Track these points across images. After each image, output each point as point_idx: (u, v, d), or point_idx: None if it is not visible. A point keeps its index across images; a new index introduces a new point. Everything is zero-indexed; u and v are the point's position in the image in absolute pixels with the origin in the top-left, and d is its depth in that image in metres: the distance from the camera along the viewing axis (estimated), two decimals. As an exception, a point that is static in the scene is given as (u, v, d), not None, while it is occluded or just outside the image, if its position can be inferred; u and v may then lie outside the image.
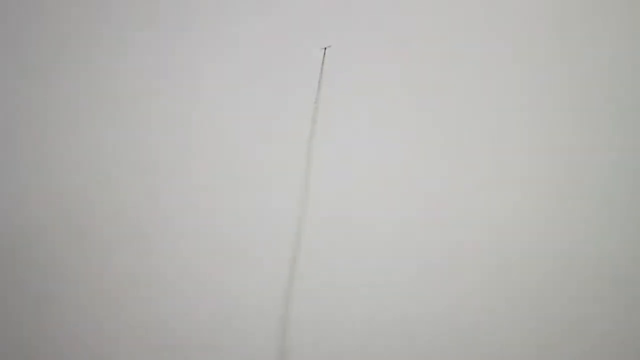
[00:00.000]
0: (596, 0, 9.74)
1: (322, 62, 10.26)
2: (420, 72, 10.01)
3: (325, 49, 10.35)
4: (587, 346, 9.19)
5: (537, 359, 9.32)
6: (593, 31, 9.64)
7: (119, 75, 10.43)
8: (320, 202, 9.77)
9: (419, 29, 10.06)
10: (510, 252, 9.42)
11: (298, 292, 9.71)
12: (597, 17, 9.73)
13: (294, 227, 9.72)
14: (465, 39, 9.97)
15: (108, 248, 10.16)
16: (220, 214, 10.05)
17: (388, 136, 9.85)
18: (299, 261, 9.67)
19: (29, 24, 10.57)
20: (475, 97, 9.78)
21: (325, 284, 9.66)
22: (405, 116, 9.89)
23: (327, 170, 9.97)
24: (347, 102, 9.98)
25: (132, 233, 10.12)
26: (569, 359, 9.21)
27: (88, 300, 9.95)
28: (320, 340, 9.69)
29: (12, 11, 10.60)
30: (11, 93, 10.27)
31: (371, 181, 9.80)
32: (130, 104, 10.33)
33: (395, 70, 10.05)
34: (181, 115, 10.21)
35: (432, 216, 9.73)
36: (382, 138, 9.87)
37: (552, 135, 9.58)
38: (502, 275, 9.40)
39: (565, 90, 9.60)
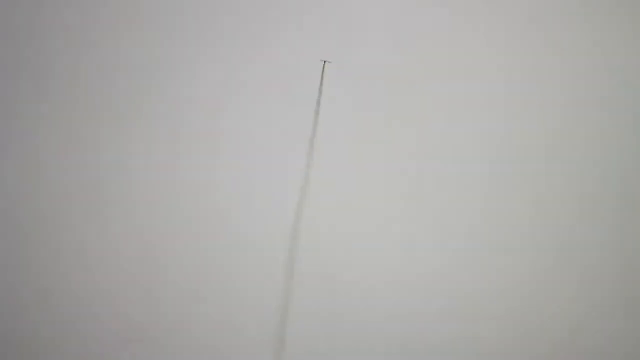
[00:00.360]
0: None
1: (322, 75, 10.38)
2: (419, 87, 10.04)
3: (324, 62, 10.46)
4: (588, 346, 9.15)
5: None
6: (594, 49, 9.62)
7: (129, 82, 10.45)
8: (319, 205, 9.81)
9: (420, 45, 10.07)
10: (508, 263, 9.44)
11: (296, 292, 9.74)
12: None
13: (292, 229, 9.76)
14: (464, 55, 9.99)
15: (107, 247, 10.17)
16: (224, 214, 10.07)
17: (388, 147, 9.89)
18: (297, 264, 9.71)
19: (28, 24, 10.59)
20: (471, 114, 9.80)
21: (322, 285, 9.69)
22: (405, 130, 9.93)
23: (328, 173, 10.00)
24: (347, 113, 10.04)
25: (133, 233, 10.14)
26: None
27: (88, 299, 9.97)
28: (317, 339, 9.71)
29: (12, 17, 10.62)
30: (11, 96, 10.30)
31: (371, 188, 9.83)
32: (138, 108, 10.37)
33: (396, 82, 10.07)
34: (183, 123, 10.25)
35: (431, 223, 9.75)
36: (382, 150, 9.92)
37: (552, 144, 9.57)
38: (499, 284, 9.40)
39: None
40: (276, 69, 10.77)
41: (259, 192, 10.58)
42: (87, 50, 10.94)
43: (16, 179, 10.69)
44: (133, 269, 10.60)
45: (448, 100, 10.53)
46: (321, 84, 10.67)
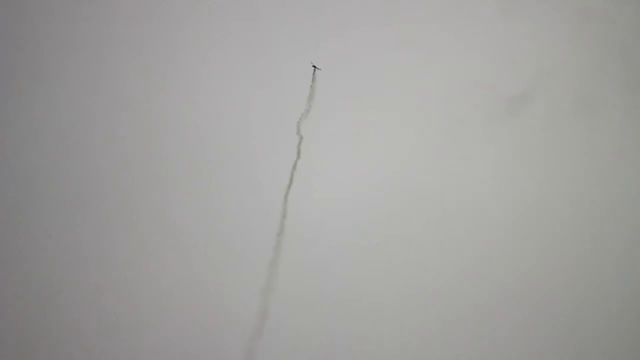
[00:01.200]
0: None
1: (312, 81, 10.55)
2: (411, 97, 10.24)
3: (315, 69, 10.61)
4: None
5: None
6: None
7: (122, 80, 10.53)
8: (302, 216, 9.92)
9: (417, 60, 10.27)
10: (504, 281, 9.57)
11: (276, 307, 9.82)
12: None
13: (273, 240, 9.86)
14: (460, 66, 10.20)
15: (98, 247, 10.16)
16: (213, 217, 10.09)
17: (375, 157, 10.04)
18: (279, 279, 9.79)
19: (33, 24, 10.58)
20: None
21: (302, 301, 9.78)
22: (394, 141, 10.11)
23: (312, 181, 10.16)
24: (335, 124, 10.20)
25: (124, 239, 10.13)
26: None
27: (75, 302, 9.93)
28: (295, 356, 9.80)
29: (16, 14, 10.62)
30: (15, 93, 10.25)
31: (355, 196, 9.97)
32: (134, 108, 10.45)
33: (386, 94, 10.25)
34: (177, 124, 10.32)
35: (421, 236, 9.90)
36: (369, 160, 10.07)
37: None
38: (487, 310, 9.52)
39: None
40: (268, 74, 10.93)
41: (248, 191, 10.70)
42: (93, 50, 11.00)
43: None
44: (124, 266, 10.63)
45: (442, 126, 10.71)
46: (311, 90, 10.86)
